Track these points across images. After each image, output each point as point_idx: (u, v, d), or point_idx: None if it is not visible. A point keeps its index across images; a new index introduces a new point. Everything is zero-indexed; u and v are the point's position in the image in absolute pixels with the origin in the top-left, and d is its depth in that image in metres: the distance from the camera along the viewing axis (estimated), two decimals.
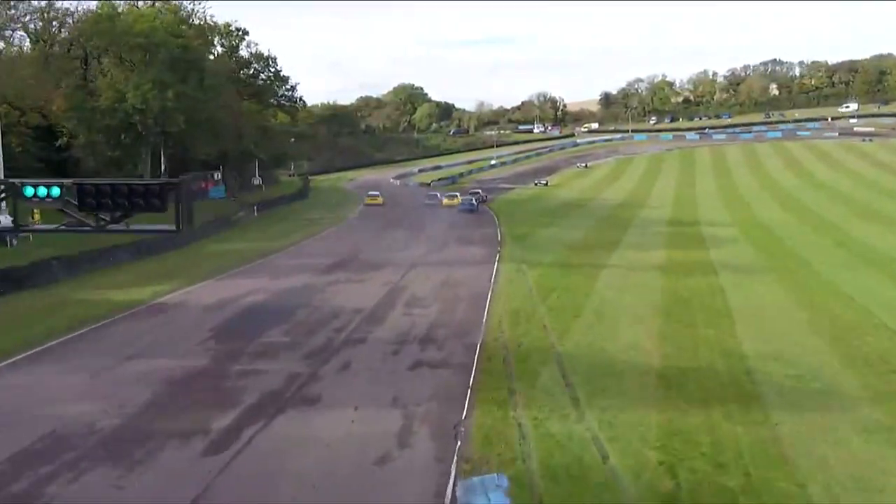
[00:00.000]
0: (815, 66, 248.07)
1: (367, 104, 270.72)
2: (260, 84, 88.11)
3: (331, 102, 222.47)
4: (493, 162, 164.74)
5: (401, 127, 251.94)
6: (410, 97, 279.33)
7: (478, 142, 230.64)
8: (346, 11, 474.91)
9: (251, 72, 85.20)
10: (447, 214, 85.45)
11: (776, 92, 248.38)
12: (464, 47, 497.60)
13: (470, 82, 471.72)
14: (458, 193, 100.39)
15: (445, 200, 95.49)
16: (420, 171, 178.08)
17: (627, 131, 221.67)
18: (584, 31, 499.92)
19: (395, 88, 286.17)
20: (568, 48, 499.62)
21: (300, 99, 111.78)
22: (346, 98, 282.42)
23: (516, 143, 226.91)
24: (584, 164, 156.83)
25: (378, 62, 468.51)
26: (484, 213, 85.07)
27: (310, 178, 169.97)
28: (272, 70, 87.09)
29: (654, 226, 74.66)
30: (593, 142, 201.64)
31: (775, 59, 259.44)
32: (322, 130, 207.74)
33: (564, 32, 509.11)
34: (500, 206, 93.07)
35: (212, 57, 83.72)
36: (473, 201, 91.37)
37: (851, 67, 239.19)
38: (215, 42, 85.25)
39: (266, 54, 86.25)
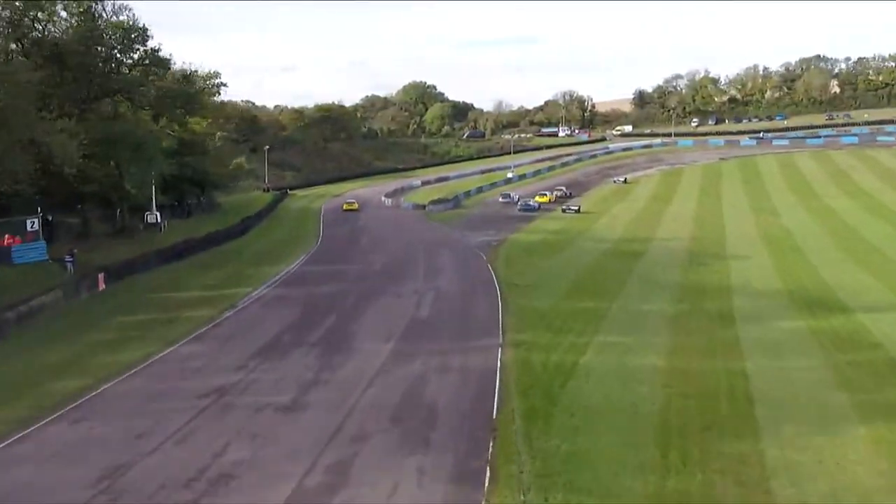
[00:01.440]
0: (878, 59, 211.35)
1: (372, 104, 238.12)
2: (126, 72, 55.04)
3: (327, 103, 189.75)
4: (510, 175, 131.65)
5: (410, 129, 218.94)
6: (422, 97, 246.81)
7: (495, 147, 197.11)
8: (365, 10, 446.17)
9: (103, 52, 52.22)
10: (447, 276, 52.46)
11: (837, 89, 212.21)
12: (485, 47, 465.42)
13: (490, 82, 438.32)
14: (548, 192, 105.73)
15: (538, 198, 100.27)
16: (423, 183, 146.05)
17: (669, 135, 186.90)
18: (613, 26, 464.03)
19: (405, 87, 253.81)
20: (595, 45, 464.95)
21: (215, 89, 78.40)
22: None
23: (538, 148, 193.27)
24: (622, 179, 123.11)
25: (397, 62, 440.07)
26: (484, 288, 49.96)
27: (289, 192, 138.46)
28: (143, 49, 53.80)
29: (775, 316, 40.97)
30: (630, 148, 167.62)
31: (819, 56, 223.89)
32: (314, 134, 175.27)
33: (591, 29, 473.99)
34: (511, 258, 60.02)
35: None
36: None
37: None
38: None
39: (132, 22, 52.82)
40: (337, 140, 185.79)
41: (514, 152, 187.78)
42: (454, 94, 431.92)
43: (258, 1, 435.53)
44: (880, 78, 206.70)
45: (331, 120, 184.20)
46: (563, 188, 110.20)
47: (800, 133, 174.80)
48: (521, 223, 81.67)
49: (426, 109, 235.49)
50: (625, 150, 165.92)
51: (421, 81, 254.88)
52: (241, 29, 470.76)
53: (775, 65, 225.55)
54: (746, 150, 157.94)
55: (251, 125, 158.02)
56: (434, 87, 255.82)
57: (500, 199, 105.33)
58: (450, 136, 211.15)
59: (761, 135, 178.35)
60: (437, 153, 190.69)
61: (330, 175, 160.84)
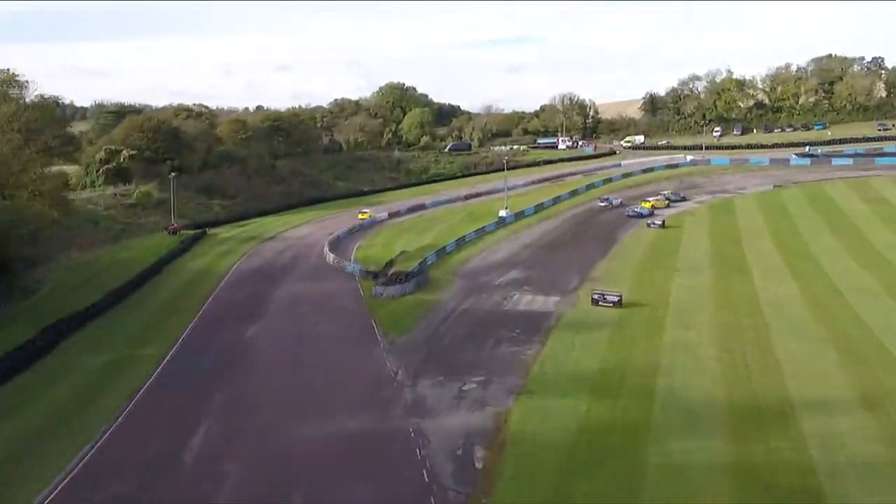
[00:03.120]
0: None
1: (341, 109, 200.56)
2: None
3: (277, 110, 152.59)
4: (503, 213, 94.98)
5: (384, 140, 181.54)
6: (400, 100, 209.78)
7: (482, 163, 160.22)
8: (359, 10, 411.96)
9: None
10: None
11: (883, 93, 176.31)
12: (481, 47, 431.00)
13: (483, 84, 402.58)
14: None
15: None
16: (391, 215, 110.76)
17: (696, 148, 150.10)
18: (617, 21, 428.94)
19: (381, 88, 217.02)
20: (596, 42, 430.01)
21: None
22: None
23: (535, 163, 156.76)
24: (658, 222, 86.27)
25: (391, 62, 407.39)
26: None
27: (208, 231, 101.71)
28: None
29: None
30: (651, 168, 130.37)
31: (831, 55, 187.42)
32: (260, 150, 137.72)
33: (593, 26, 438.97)
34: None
35: None
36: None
37: None
38: None
39: None
40: (293, 155, 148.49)
41: (507, 169, 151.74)
42: (444, 96, 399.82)
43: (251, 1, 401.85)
44: None
45: (282, 131, 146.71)
46: (668, 192, 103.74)
47: (858, 148, 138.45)
48: (527, 348, 44.85)
49: (404, 115, 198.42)
50: (645, 171, 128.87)
51: (399, 83, 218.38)
52: (233, 28, 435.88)
53: (803, 62, 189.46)
54: (801, 172, 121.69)
55: (172, 139, 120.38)
56: (414, 89, 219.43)
57: (600, 203, 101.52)
58: (429, 148, 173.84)
59: (808, 149, 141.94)
60: (413, 171, 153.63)
61: (276, 203, 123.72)
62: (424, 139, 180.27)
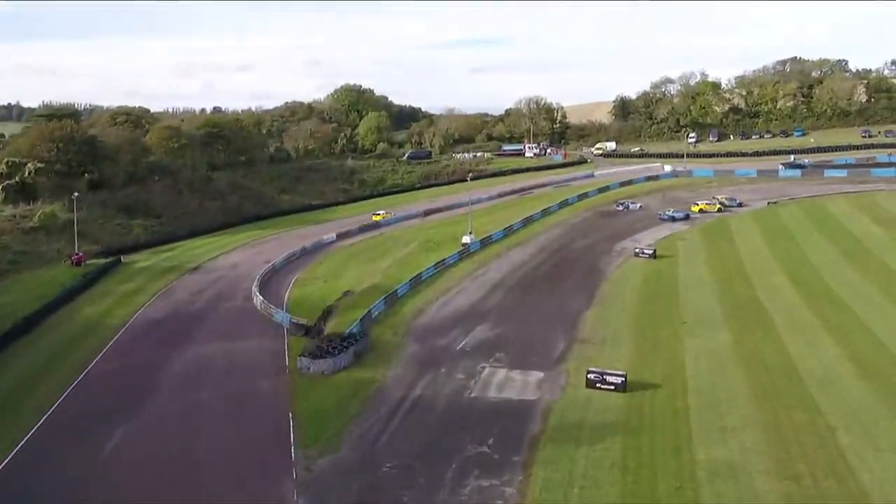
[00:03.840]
0: None
1: (292, 113, 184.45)
2: None
3: (216, 114, 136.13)
4: (466, 239, 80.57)
5: (338, 146, 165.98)
6: (357, 103, 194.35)
7: (444, 172, 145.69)
8: (322, 9, 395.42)
9: None
10: None
11: (863, 97, 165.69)
12: (446, 49, 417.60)
13: (447, 86, 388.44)
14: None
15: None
16: (339, 236, 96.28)
17: (676, 156, 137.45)
18: (586, 26, 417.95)
19: (336, 91, 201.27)
20: (563, 43, 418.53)
21: None
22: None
23: (501, 173, 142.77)
24: (649, 251, 72.74)
25: (354, 63, 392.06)
26: None
27: (122, 260, 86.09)
28: None
29: None
30: (630, 181, 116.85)
31: (795, 58, 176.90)
32: (196, 160, 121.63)
33: (559, 27, 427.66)
34: None
35: None
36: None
37: None
38: None
39: None
40: (234, 166, 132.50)
41: (471, 179, 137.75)
42: (406, 98, 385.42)
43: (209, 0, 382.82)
44: None
45: (222, 138, 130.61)
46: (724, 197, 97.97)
47: (848, 158, 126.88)
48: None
49: (361, 119, 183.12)
50: (623, 184, 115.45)
51: (355, 84, 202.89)
52: (192, 28, 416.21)
53: (781, 64, 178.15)
54: (793, 185, 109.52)
55: (89, 150, 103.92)
56: (371, 91, 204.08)
57: (617, 207, 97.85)
58: (387, 155, 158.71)
59: (794, 159, 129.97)
60: (367, 182, 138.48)
61: (210, 221, 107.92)
62: (381, 146, 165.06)
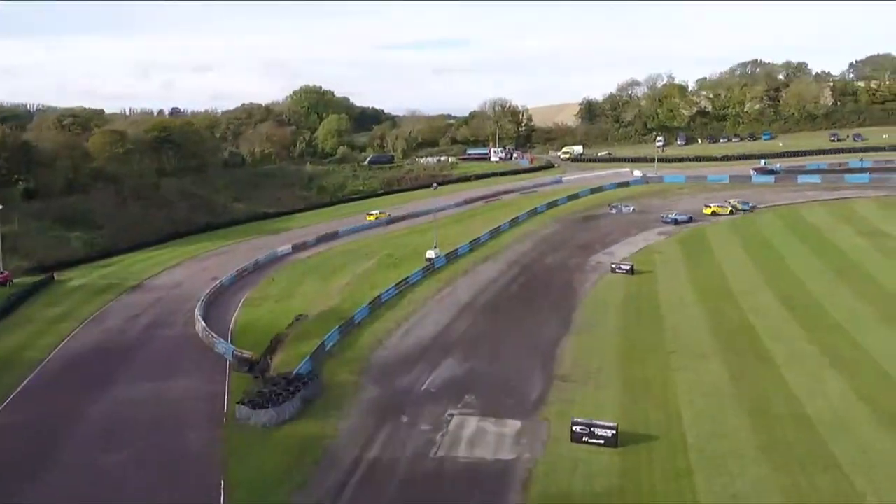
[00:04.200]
0: (887, 61, 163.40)
1: (249, 115, 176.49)
2: None
3: (166, 117, 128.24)
4: (431, 254, 74.40)
5: (297, 150, 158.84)
6: (316, 105, 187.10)
7: (407, 177, 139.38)
8: (283, 9, 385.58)
9: None
10: None
11: (829, 101, 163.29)
12: (409, 50, 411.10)
13: (411, 88, 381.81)
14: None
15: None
16: (295, 248, 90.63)
17: (645, 160, 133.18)
18: (550, 26, 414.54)
19: (294, 92, 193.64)
20: (527, 46, 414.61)
21: None
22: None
23: (466, 178, 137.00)
24: (625, 267, 67.62)
25: (317, 64, 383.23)
26: None
27: (56, 277, 78.60)
28: None
29: None
30: (600, 188, 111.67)
31: (756, 61, 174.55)
32: (143, 166, 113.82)
33: (524, 29, 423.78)
34: None
35: None
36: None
37: None
38: None
39: None
40: (186, 172, 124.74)
41: (439, 184, 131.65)
42: (369, 99, 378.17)
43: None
44: (885, 87, 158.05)
45: (170, 143, 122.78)
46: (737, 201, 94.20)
47: (820, 163, 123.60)
48: None
49: (321, 121, 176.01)
50: (594, 191, 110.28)
51: (315, 85, 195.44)
52: (150, 27, 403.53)
53: (747, 67, 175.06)
54: (767, 191, 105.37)
55: (23, 155, 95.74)
56: (332, 93, 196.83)
57: (611, 211, 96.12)
58: (347, 160, 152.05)
59: (764, 163, 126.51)
60: (327, 188, 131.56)
61: (156, 232, 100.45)
62: (342, 150, 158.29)
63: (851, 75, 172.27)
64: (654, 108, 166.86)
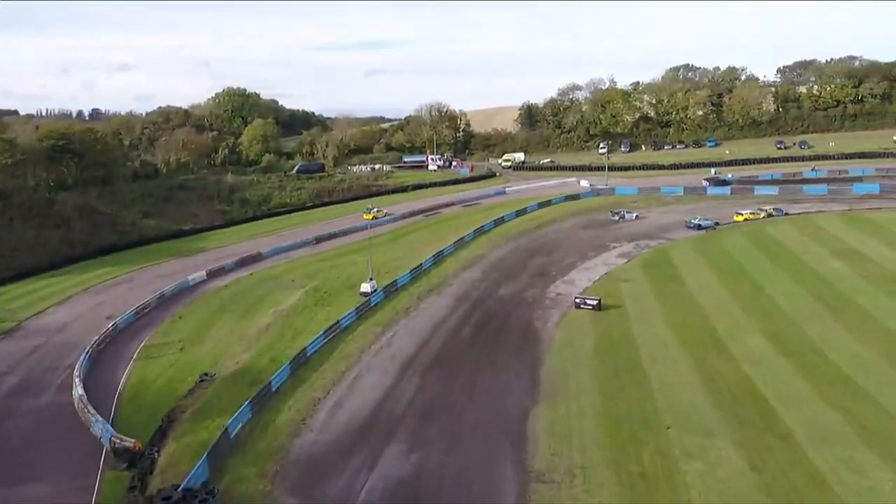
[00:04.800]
0: (829, 68, 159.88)
1: (166, 119, 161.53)
2: None
3: (62, 123, 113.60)
4: (366, 287, 63.54)
5: (218, 158, 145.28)
6: (241, 108, 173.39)
7: (338, 188, 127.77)
8: (209, 8, 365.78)
9: None
10: None
11: (772, 107, 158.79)
12: (342, 51, 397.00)
13: (344, 90, 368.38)
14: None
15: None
16: (210, 274, 78.56)
17: (594, 169, 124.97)
18: (487, 29, 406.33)
19: (217, 95, 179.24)
20: (464, 49, 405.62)
21: None
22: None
23: (403, 189, 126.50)
24: (592, 303, 58.02)
25: (245, 64, 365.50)
26: None
27: None
28: None
29: None
30: (548, 202, 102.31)
31: (687, 65, 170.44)
32: (37, 178, 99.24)
33: (462, 31, 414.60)
34: None
35: None
36: None
37: (886, 75, 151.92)
38: None
39: None
40: (88, 184, 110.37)
41: (370, 196, 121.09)
42: (299, 102, 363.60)
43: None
44: (831, 93, 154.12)
45: (70, 152, 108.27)
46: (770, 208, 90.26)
47: (770, 172, 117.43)
48: None
49: (245, 124, 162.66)
50: (542, 205, 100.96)
51: (240, 88, 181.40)
52: (68, 24, 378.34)
53: (689, 71, 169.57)
54: (725, 205, 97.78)
55: None
56: (257, 95, 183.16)
57: (612, 217, 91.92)
58: (273, 169, 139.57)
59: (715, 172, 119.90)
60: (250, 201, 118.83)
61: (48, 257, 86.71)
62: (267, 157, 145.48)
63: (779, 80, 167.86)
64: (596, 113, 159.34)
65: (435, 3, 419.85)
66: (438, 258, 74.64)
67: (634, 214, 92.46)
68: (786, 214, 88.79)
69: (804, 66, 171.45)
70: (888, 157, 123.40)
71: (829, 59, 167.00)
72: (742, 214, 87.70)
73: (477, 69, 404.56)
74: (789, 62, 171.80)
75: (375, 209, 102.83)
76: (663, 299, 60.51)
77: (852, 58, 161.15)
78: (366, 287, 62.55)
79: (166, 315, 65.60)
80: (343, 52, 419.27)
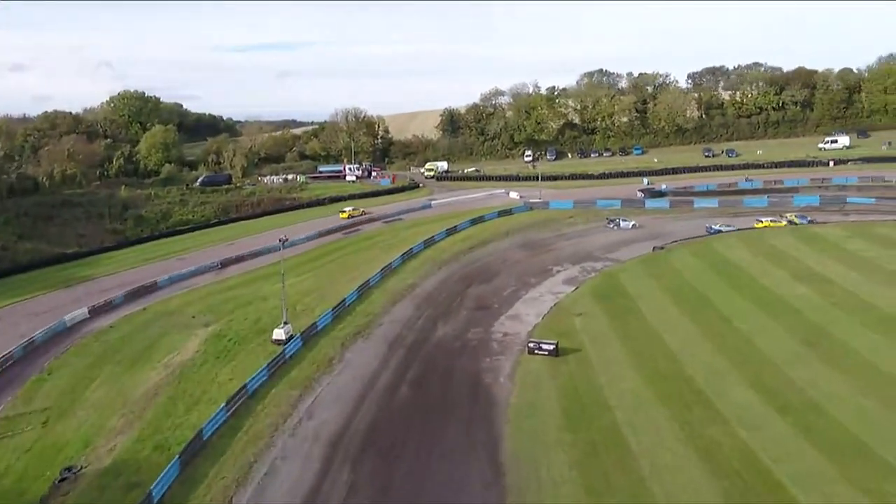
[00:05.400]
0: (748, 75, 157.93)
1: (52, 126, 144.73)
2: None
3: None
4: (279, 334, 52.85)
5: (113, 169, 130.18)
6: (139, 113, 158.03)
7: (246, 203, 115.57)
8: (110, 6, 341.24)
9: None
10: None
11: (696, 113, 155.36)
12: (251, 52, 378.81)
13: (252, 94, 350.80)
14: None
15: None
16: (93, 312, 66.24)
17: (530, 179, 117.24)
18: (403, 31, 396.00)
19: (112, 98, 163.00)
20: (378, 52, 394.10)
21: None
22: None
23: (319, 202, 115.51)
24: (549, 347, 49.68)
25: (151, 66, 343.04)
26: None
27: None
28: None
29: None
30: (480, 219, 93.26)
31: (602, 70, 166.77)
32: None
33: (373, 35, 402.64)
34: None
35: None
36: None
37: (806, 82, 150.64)
38: None
39: None
40: None
41: (283, 211, 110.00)
42: (206, 105, 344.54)
43: None
44: (754, 100, 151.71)
45: None
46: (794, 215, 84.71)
47: (706, 182, 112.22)
48: None
49: (144, 130, 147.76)
50: (474, 222, 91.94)
51: (139, 91, 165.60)
52: None
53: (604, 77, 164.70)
54: (666, 220, 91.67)
55: None
56: (157, 99, 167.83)
57: (608, 225, 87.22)
58: (174, 181, 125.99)
59: (647, 182, 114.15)
60: (147, 218, 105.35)
61: None
62: (168, 168, 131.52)
63: (690, 86, 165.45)
64: (520, 119, 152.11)
65: (346, 3, 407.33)
66: (363, 290, 64.40)
67: (631, 223, 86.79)
68: (811, 221, 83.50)
69: (713, 72, 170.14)
70: (816, 165, 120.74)
71: (736, 66, 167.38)
72: (762, 222, 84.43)
73: (392, 72, 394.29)
74: (698, 68, 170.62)
75: (351, 207, 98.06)
76: (626, 340, 52.36)
77: (757, 64, 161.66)
78: (279, 333, 51.87)
79: (32, 370, 53.32)
80: (253, 53, 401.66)
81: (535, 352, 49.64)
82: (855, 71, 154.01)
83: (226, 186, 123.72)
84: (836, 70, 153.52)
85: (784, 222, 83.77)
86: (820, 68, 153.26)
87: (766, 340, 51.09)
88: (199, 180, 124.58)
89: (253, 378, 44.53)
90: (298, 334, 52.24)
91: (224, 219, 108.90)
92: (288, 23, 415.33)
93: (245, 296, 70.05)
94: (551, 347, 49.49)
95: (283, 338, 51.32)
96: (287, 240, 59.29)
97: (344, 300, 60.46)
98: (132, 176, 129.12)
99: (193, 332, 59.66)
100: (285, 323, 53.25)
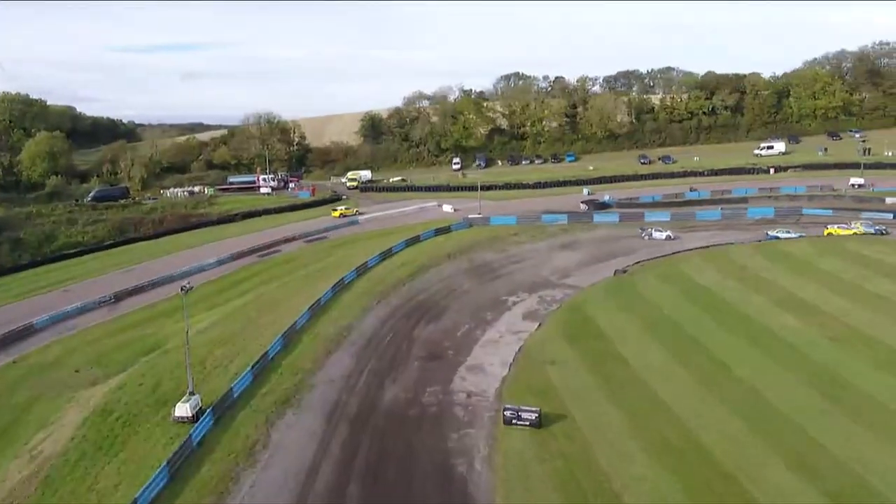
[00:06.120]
0: (680, 80, 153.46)
1: None
2: None
3: None
4: (182, 410, 40.49)
5: None
6: (24, 117, 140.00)
7: (147, 220, 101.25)
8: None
9: None
10: None
11: (627, 118, 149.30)
12: (150, 52, 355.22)
13: (155, 97, 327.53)
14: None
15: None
16: None
17: (461, 190, 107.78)
18: (314, 32, 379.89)
19: None
20: (290, 54, 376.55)
21: None
22: None
23: (230, 218, 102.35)
24: (531, 418, 39.83)
25: (43, 66, 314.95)
26: None
27: None
28: None
29: None
30: (416, 239, 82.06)
31: (518, 73, 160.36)
32: None
33: (286, 34, 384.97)
34: None
35: None
36: None
37: (735, 87, 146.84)
38: None
39: None
40: None
41: (189, 229, 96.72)
42: (104, 108, 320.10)
43: None
44: (685, 104, 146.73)
45: None
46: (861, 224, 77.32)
47: (652, 193, 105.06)
48: None
49: (28, 136, 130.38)
50: (409, 242, 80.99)
51: (23, 94, 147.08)
52: None
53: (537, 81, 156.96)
54: (619, 237, 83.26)
55: None
56: (44, 102, 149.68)
57: (641, 235, 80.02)
58: (62, 196, 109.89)
59: (588, 193, 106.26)
60: (28, 242, 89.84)
61: None
62: (54, 180, 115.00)
63: (605, 89, 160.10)
64: (447, 125, 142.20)
65: (254, 3, 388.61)
66: (289, 339, 52.50)
67: (665, 234, 78.62)
68: (883, 232, 76.10)
69: (626, 76, 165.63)
70: (757, 172, 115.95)
71: (650, 70, 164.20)
72: (829, 228, 77.99)
73: (304, 73, 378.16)
74: (612, 72, 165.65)
75: (344, 207, 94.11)
76: (615, 398, 42.82)
77: (670, 69, 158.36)
78: (184, 409, 39.67)
79: None
80: (155, 53, 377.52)
81: (514, 422, 39.42)
82: (780, 75, 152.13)
83: (122, 201, 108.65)
84: (765, 75, 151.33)
85: (853, 231, 76.85)
86: (744, 72, 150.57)
87: (779, 394, 42.56)
88: (91, 195, 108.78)
89: (148, 486, 32.41)
90: (209, 408, 40.22)
91: (120, 240, 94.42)
92: (193, 23, 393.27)
93: (143, 340, 57.90)
94: (533, 417, 39.38)
95: (189, 414, 39.26)
96: (191, 288, 46.72)
97: (266, 353, 48.53)
98: (12, 190, 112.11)
99: (75, 395, 46.99)
100: (191, 393, 41.06)
